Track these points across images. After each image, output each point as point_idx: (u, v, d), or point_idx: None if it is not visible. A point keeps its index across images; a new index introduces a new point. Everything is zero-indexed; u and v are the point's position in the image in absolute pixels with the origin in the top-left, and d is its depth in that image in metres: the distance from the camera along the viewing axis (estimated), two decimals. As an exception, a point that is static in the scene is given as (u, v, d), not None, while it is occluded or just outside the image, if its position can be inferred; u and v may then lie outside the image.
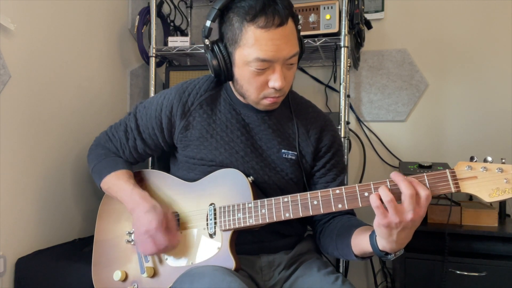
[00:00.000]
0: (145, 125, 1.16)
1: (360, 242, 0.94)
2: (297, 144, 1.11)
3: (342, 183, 1.14)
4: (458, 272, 1.48)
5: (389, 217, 0.81)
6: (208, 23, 1.02)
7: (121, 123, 1.20)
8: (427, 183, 0.84)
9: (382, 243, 0.87)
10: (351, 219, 1.08)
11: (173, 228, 1.03)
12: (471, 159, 0.83)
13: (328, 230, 1.09)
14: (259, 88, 1.01)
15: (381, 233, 0.85)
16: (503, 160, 0.82)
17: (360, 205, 0.89)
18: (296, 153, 1.11)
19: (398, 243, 0.85)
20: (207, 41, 1.04)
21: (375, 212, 0.83)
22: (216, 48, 1.03)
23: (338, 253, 1.05)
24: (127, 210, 1.09)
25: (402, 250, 0.89)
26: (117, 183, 1.12)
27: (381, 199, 0.82)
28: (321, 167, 1.14)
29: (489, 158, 0.82)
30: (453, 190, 0.83)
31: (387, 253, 0.89)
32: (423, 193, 0.82)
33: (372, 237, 0.90)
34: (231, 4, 0.98)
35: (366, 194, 0.88)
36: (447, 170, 0.84)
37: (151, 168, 1.70)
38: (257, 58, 0.95)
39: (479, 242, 1.54)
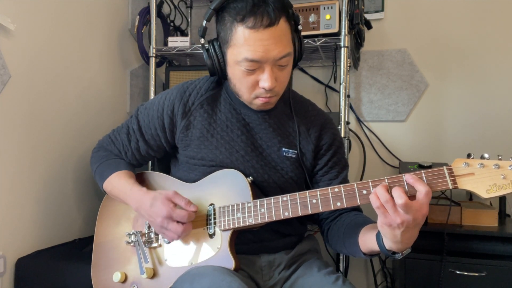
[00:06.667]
0: (147, 126, 1.16)
1: (367, 241, 0.94)
2: (298, 143, 1.12)
3: (345, 180, 1.15)
4: (458, 272, 1.48)
5: (390, 217, 0.81)
6: (204, 22, 1.04)
7: (123, 125, 1.21)
8: (425, 180, 0.84)
9: (388, 243, 0.87)
10: (357, 217, 1.07)
11: (182, 201, 1.02)
12: (468, 156, 0.83)
13: (335, 228, 1.09)
14: (250, 88, 1.02)
15: (385, 233, 0.85)
16: (500, 157, 0.82)
17: (359, 203, 0.89)
18: (296, 151, 1.11)
19: (404, 242, 0.84)
20: (202, 40, 1.07)
21: (376, 212, 0.83)
22: (210, 47, 1.05)
23: (347, 251, 1.05)
24: (132, 209, 1.10)
25: (409, 249, 0.89)
26: (119, 184, 1.12)
27: None
28: (323, 165, 1.14)
29: (486, 155, 0.82)
30: (450, 186, 0.83)
31: (394, 252, 0.89)
32: (423, 190, 0.81)
33: (379, 236, 0.89)
34: (225, 4, 0.99)
35: (364, 192, 0.88)
36: (444, 167, 0.84)
37: (151, 170, 1.71)
38: (245, 58, 0.96)
39: (479, 242, 1.54)
